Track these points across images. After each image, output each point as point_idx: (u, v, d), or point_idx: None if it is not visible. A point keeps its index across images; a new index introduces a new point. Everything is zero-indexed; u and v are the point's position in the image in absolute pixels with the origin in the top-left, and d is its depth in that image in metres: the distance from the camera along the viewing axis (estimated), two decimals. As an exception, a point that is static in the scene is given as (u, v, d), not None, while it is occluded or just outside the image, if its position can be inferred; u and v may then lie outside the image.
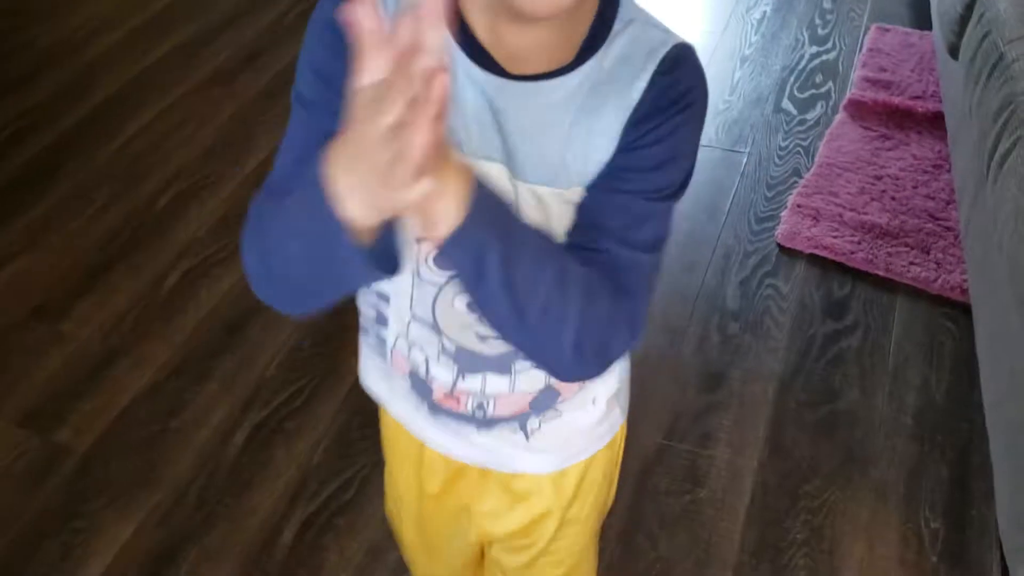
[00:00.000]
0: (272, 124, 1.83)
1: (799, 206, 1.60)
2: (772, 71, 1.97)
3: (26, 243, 1.57)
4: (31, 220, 1.61)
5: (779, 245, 1.55)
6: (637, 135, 0.61)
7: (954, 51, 1.45)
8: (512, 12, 0.54)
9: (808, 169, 1.70)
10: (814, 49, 2.03)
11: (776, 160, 1.74)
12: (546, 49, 0.59)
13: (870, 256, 1.51)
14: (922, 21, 2.09)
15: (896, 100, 1.79)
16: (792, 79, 1.95)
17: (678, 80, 0.62)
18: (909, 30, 2.03)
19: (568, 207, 0.62)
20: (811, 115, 1.85)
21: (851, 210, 1.59)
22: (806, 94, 1.90)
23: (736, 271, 1.53)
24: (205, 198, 1.68)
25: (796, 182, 1.67)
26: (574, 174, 0.61)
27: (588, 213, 0.62)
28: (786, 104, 1.88)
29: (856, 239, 1.54)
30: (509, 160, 0.60)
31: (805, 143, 1.78)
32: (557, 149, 0.60)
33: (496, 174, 0.60)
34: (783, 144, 1.78)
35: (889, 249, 1.52)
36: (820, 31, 2.09)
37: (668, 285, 1.51)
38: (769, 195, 1.67)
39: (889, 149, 1.71)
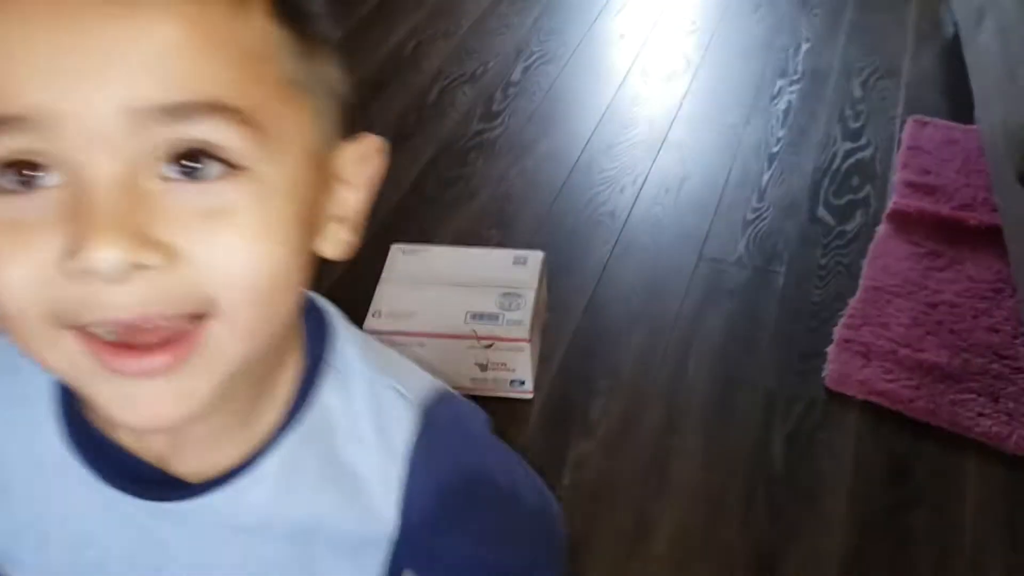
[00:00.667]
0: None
1: (847, 341, 1.43)
2: (803, 172, 1.81)
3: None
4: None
5: (827, 389, 1.38)
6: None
7: (1025, 178, 1.29)
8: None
9: (853, 293, 1.53)
10: (847, 146, 1.87)
11: (816, 281, 1.57)
12: (234, 437, 0.44)
13: (931, 405, 1.33)
14: (960, 112, 1.94)
15: (944, 211, 1.63)
16: (826, 182, 1.78)
17: (446, 489, 0.48)
18: (950, 123, 1.87)
19: None
20: (850, 226, 1.68)
21: (905, 346, 1.41)
22: (843, 200, 1.74)
23: (781, 422, 1.35)
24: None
25: (840, 309, 1.50)
26: None
27: None
28: (822, 212, 1.71)
29: (914, 383, 1.36)
30: None
31: (846, 260, 1.61)
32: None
33: None
34: (822, 262, 1.61)
35: (952, 396, 1.34)
36: (852, 124, 1.93)
37: (708, 440, 1.33)
38: (812, 325, 1.50)
39: (941, 269, 1.54)
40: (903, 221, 1.63)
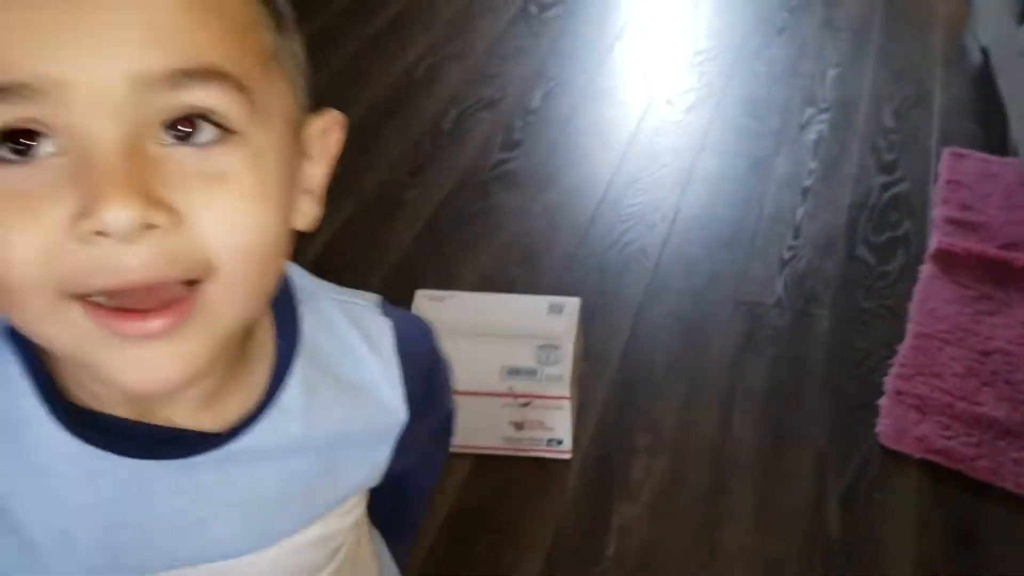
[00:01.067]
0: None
1: (899, 393, 1.36)
2: (839, 207, 1.74)
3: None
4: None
5: (881, 446, 1.31)
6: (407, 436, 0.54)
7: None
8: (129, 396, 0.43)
9: (899, 338, 1.46)
10: (882, 179, 1.80)
11: (859, 326, 1.50)
12: (225, 394, 0.46)
13: (994, 464, 1.26)
14: (995, 143, 1.88)
15: (992, 251, 1.56)
16: (864, 218, 1.71)
17: (428, 370, 0.57)
18: (987, 156, 1.81)
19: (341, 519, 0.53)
20: (892, 265, 1.61)
21: (961, 399, 1.35)
22: (882, 237, 1.67)
23: (834, 481, 1.28)
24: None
25: (887, 356, 1.43)
26: (311, 514, 0.51)
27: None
28: (861, 251, 1.64)
29: (974, 440, 1.29)
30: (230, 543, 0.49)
31: (891, 303, 1.54)
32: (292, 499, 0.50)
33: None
34: (865, 305, 1.54)
35: (1015, 454, 1.27)
36: (886, 156, 1.87)
37: (759, 502, 1.25)
38: (859, 373, 1.43)
39: (991, 314, 1.48)
40: (948, 262, 1.57)
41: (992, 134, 1.90)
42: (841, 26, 2.29)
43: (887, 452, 1.31)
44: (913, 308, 1.50)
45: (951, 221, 1.65)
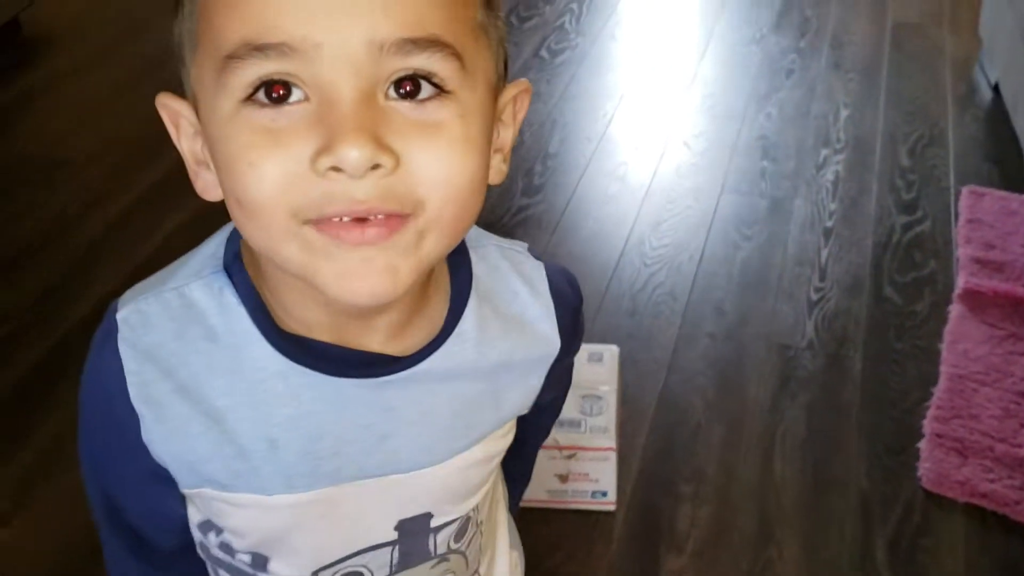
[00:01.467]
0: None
1: (938, 436, 1.36)
2: (863, 248, 1.76)
3: None
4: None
5: (924, 490, 1.31)
6: (555, 372, 0.61)
7: None
8: (339, 309, 0.50)
9: (933, 379, 1.47)
10: (904, 219, 1.82)
11: (894, 368, 1.51)
12: (410, 326, 0.53)
13: (1039, 507, 1.27)
14: (1013, 180, 1.90)
15: (1019, 291, 1.58)
16: (888, 258, 1.73)
17: (575, 308, 0.62)
18: (1006, 194, 1.83)
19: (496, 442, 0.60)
20: (920, 306, 1.62)
21: (1001, 441, 1.35)
22: (908, 277, 1.68)
23: (879, 528, 1.28)
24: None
25: (923, 398, 1.44)
26: (477, 434, 0.58)
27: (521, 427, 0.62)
28: (888, 291, 1.66)
29: (1017, 483, 1.30)
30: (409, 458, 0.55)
31: (922, 343, 1.55)
32: (460, 418, 0.57)
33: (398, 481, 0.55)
34: (897, 346, 1.55)
35: (1059, 496, 1.28)
36: (904, 195, 1.89)
37: (806, 550, 1.25)
38: (895, 415, 1.43)
39: (1023, 354, 1.49)
40: (976, 302, 1.58)
41: (1008, 171, 1.93)
42: (849, 67, 2.32)
43: (930, 496, 1.31)
44: (945, 349, 1.51)
45: (976, 260, 1.66)
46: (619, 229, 1.82)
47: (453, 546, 0.61)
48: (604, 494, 1.29)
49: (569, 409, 1.28)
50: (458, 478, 0.58)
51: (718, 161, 2.00)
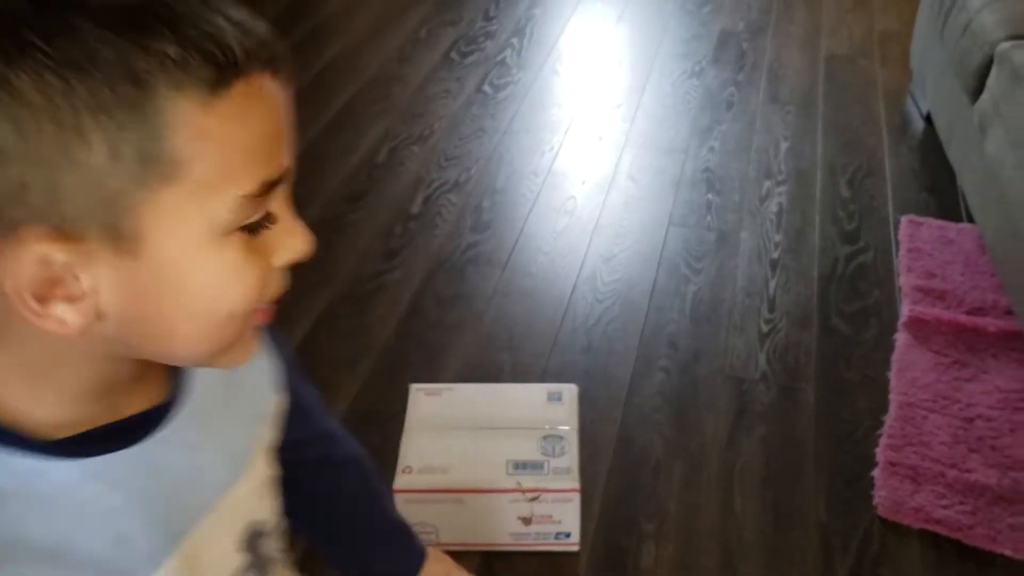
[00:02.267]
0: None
1: (892, 464, 1.39)
2: (808, 279, 1.79)
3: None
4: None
5: (880, 519, 1.33)
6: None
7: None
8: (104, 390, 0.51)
9: (884, 408, 1.49)
10: (847, 249, 1.86)
11: (845, 397, 1.53)
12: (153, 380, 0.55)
13: (991, 532, 1.29)
14: (949, 209, 1.96)
15: (961, 318, 1.62)
16: (834, 289, 1.76)
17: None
18: (943, 223, 1.88)
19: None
20: (867, 335, 1.65)
21: (952, 466, 1.38)
22: (854, 307, 1.72)
23: (840, 558, 1.29)
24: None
25: (875, 427, 1.46)
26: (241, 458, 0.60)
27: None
28: (836, 322, 1.69)
29: (968, 508, 1.32)
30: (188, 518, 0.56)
31: (872, 372, 1.57)
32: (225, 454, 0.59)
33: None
34: (847, 376, 1.57)
35: (1010, 520, 1.31)
36: (847, 226, 1.93)
37: (768, 586, 1.26)
38: (850, 446, 1.45)
39: (968, 380, 1.52)
40: (921, 330, 1.61)
41: (944, 200, 1.98)
42: (786, 99, 2.37)
43: (886, 524, 1.33)
44: (893, 377, 1.54)
45: (918, 289, 1.70)
46: (570, 264, 1.83)
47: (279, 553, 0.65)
48: (568, 535, 1.28)
49: (531, 451, 1.27)
50: (256, 502, 0.61)
51: (664, 194, 2.02)
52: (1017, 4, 1.74)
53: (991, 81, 1.64)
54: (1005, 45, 1.65)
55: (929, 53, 2.14)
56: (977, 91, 1.68)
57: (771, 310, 1.71)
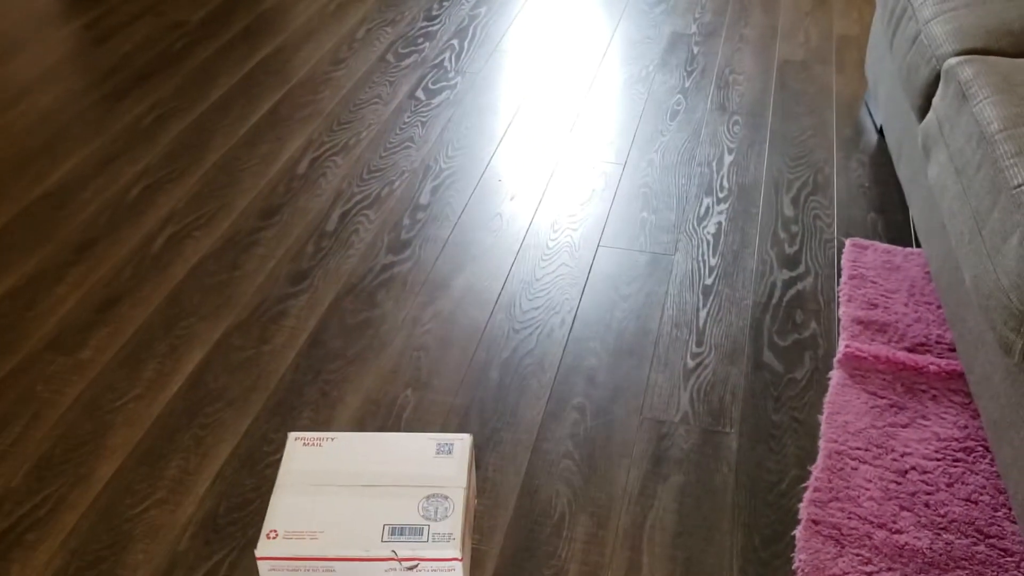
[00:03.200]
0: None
1: (815, 522, 1.27)
2: (742, 308, 1.67)
3: None
4: None
5: (800, 585, 1.22)
6: None
7: (1010, 348, 1.16)
8: None
9: (811, 456, 1.38)
10: (785, 275, 1.74)
11: (771, 442, 1.42)
12: None
13: (919, 603, 1.18)
14: (896, 231, 1.84)
15: (900, 355, 1.51)
16: (768, 319, 1.64)
17: None
18: (889, 247, 1.77)
19: None
20: (800, 372, 1.54)
21: (880, 526, 1.26)
22: (788, 341, 1.60)
23: (752, 631, 1.18)
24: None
25: (801, 477, 1.35)
26: None
27: None
28: (768, 356, 1.57)
29: (896, 575, 1.21)
30: None
31: (801, 415, 1.46)
32: None
33: None
34: (775, 418, 1.46)
35: (940, 590, 1.20)
36: (787, 248, 1.81)
37: (669, 664, 1.14)
38: (771, 499, 1.34)
39: (904, 425, 1.41)
40: (857, 367, 1.50)
41: (891, 221, 1.87)
42: (735, 108, 2.25)
43: (806, 592, 1.22)
44: (824, 421, 1.42)
45: (858, 321, 1.59)
46: (490, 289, 1.70)
47: None
48: (453, 605, 1.16)
49: (410, 514, 1.15)
50: None
51: (597, 212, 1.90)
52: (969, 16, 1.62)
53: (937, 100, 1.52)
54: (953, 60, 1.53)
55: (882, 63, 2.02)
56: (924, 109, 1.56)
57: (699, 343, 1.59)
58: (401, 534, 1.13)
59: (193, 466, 1.37)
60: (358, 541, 1.12)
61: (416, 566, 1.12)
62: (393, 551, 1.11)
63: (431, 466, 1.21)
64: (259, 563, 1.12)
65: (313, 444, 1.24)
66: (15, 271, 1.73)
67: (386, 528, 1.13)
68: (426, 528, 1.13)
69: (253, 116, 2.19)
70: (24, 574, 1.22)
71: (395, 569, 1.12)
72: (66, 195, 1.93)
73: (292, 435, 1.26)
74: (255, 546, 1.25)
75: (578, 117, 2.21)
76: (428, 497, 1.17)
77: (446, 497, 1.17)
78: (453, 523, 1.14)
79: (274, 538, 1.12)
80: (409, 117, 2.19)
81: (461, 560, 1.12)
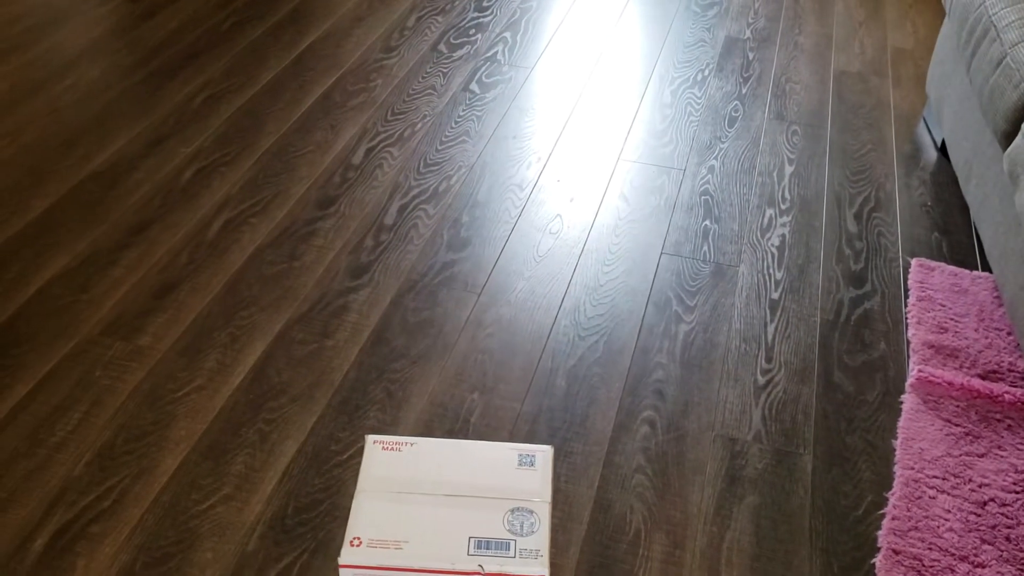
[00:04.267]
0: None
1: (895, 552, 1.25)
2: (810, 325, 1.65)
3: None
4: None
5: (882, 616, 1.20)
6: None
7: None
8: None
9: (887, 481, 1.36)
10: (852, 293, 1.72)
11: (846, 465, 1.40)
12: None
13: (1005, 640, 1.17)
14: (962, 254, 1.82)
15: (975, 383, 1.49)
16: (837, 339, 1.62)
17: None
18: (956, 270, 1.74)
19: None
20: (871, 395, 1.52)
21: (962, 559, 1.25)
22: (857, 362, 1.58)
23: (835, 661, 1.16)
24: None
25: (879, 505, 1.33)
26: None
27: None
28: (838, 377, 1.55)
29: (980, 610, 1.20)
30: None
31: (874, 438, 1.44)
32: None
33: None
34: (848, 440, 1.44)
35: (1025, 627, 1.18)
36: (853, 265, 1.79)
37: None
38: (850, 525, 1.32)
39: (981, 455, 1.39)
40: (930, 393, 1.48)
41: (956, 243, 1.85)
42: (793, 118, 2.22)
43: (888, 623, 1.20)
44: (899, 447, 1.40)
45: (928, 345, 1.57)
46: (553, 293, 1.68)
47: None
48: (533, 621, 1.14)
49: (496, 527, 1.12)
50: None
51: (659, 218, 1.87)
52: (1054, 39, 1.59)
53: (1024, 124, 1.50)
54: (1041, 85, 1.50)
55: (949, 81, 1.99)
56: (1010, 135, 1.54)
57: (768, 359, 1.57)
58: (487, 548, 1.10)
59: (259, 463, 1.34)
60: (444, 553, 1.10)
61: (502, 581, 1.10)
62: (480, 565, 1.09)
63: (514, 478, 1.18)
64: (341, 571, 1.10)
65: (392, 449, 1.22)
66: (67, 252, 1.70)
67: (472, 541, 1.11)
68: (512, 543, 1.11)
69: (306, 101, 2.15)
70: (90, 568, 1.20)
71: (480, 583, 1.10)
72: (117, 175, 1.90)
73: (370, 438, 1.23)
74: (326, 550, 1.23)
75: (634, 119, 2.18)
76: (513, 511, 1.14)
77: (531, 512, 1.14)
78: (540, 539, 1.12)
79: (358, 546, 1.10)
80: (464, 111, 2.16)
81: (548, 577, 1.10)
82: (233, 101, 2.15)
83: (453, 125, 2.11)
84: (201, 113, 2.10)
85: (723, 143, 2.11)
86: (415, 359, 1.53)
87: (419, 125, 2.10)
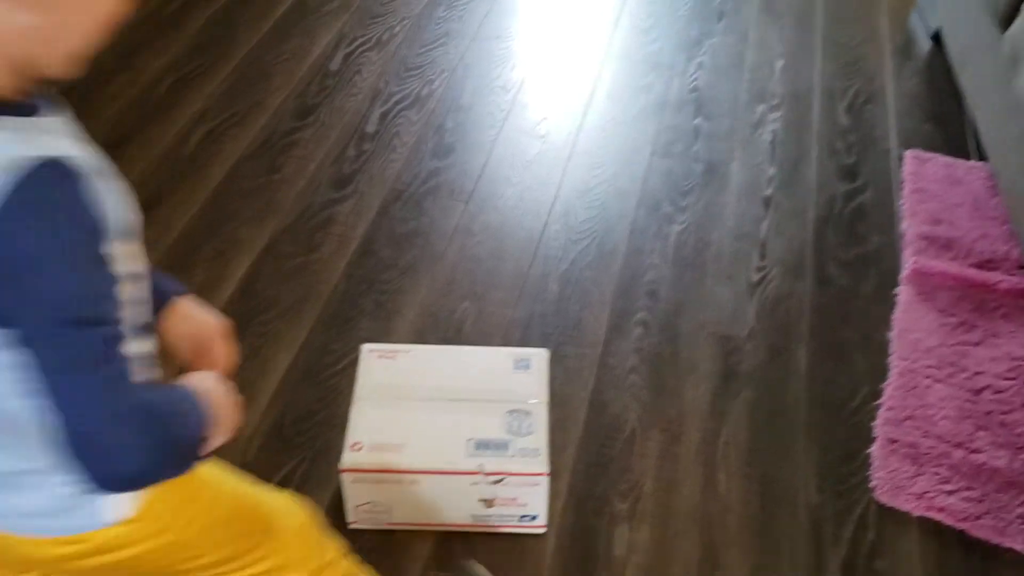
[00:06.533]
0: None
1: (891, 440, 1.26)
2: (804, 220, 1.63)
3: None
4: None
5: (878, 503, 1.21)
6: None
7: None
8: None
9: (882, 373, 1.36)
10: (845, 187, 1.70)
11: (840, 360, 1.39)
12: None
13: (999, 523, 1.18)
14: (956, 143, 1.79)
15: (970, 272, 1.48)
16: (830, 232, 1.60)
17: None
18: (950, 160, 1.72)
19: None
20: (865, 287, 1.51)
21: (957, 445, 1.25)
22: (851, 254, 1.56)
23: (832, 547, 1.17)
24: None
25: (874, 396, 1.33)
26: None
27: None
28: (832, 271, 1.53)
29: (976, 494, 1.20)
30: None
31: (870, 331, 1.43)
32: None
33: None
34: (843, 334, 1.43)
35: (1020, 510, 1.19)
36: (845, 159, 1.76)
37: (753, 568, 1.14)
38: (845, 416, 1.32)
39: (976, 344, 1.39)
40: (925, 284, 1.47)
41: (951, 133, 1.82)
42: (783, 11, 2.16)
43: (884, 510, 1.21)
44: (894, 339, 1.40)
45: (923, 237, 1.55)
46: (542, 197, 1.65)
47: None
48: (533, 518, 1.15)
49: (495, 428, 1.12)
50: None
51: (648, 118, 1.83)
52: (1053, -84, 1.54)
53: None
54: (1039, -36, 1.46)
55: (943, -34, 1.93)
56: (1010, 17, 1.49)
57: (762, 256, 1.55)
58: (487, 448, 1.10)
59: (254, 376, 1.33)
60: (444, 454, 1.09)
61: (502, 480, 1.10)
62: (480, 465, 1.09)
63: (510, 381, 1.18)
64: (342, 475, 1.09)
65: (388, 356, 1.20)
66: (44, 169, 1.65)
67: (471, 442, 1.10)
68: (511, 442, 1.11)
69: (279, 7, 2.08)
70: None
71: (479, 483, 1.10)
72: (90, 88, 1.84)
73: (365, 347, 1.22)
74: (325, 457, 1.23)
75: (620, 14, 2.12)
76: (511, 412, 1.14)
77: (529, 412, 1.14)
78: (538, 438, 1.12)
79: (358, 450, 1.09)
80: (444, 11, 2.09)
81: (547, 475, 1.10)
82: (207, 6, 2.07)
83: (433, 27, 2.04)
84: (175, 21, 2.02)
85: (712, 39, 2.06)
86: (404, 269, 1.51)
87: (397, 28, 2.03)
